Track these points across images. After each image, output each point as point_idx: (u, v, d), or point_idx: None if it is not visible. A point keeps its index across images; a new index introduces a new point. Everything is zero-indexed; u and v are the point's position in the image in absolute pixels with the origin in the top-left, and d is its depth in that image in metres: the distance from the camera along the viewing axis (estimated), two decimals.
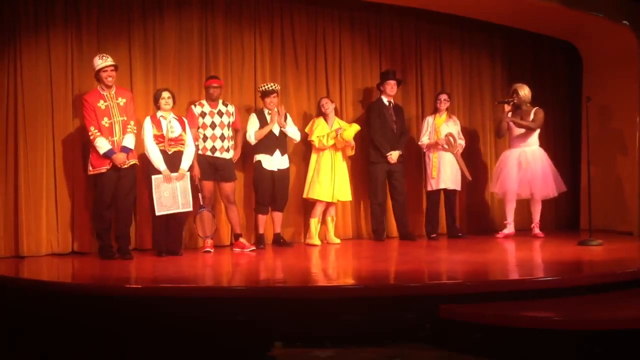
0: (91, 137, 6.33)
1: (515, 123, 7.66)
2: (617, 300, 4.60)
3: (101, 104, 6.40)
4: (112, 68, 6.48)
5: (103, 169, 6.36)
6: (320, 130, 7.49)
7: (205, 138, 6.95)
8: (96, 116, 6.36)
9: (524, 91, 7.68)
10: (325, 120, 7.54)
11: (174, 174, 6.54)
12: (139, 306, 4.61)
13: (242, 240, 7.09)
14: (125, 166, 6.41)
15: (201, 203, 6.87)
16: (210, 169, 6.94)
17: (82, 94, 6.72)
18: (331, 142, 7.45)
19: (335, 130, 7.45)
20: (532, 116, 7.63)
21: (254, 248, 7.08)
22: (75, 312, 4.72)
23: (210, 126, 6.95)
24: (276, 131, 7.24)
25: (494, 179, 7.94)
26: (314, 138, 7.47)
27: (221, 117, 7.01)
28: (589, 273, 5.46)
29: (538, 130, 7.67)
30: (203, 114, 6.96)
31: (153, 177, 6.49)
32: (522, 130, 7.64)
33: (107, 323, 4.55)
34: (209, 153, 6.95)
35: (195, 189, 6.84)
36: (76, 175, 6.93)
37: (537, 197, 7.63)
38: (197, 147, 6.88)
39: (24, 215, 6.67)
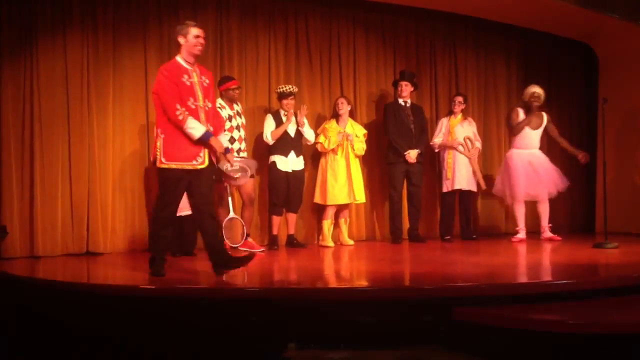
0: (180, 118, 4.87)
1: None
2: (633, 303, 4.55)
3: (185, 80, 5.01)
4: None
5: (187, 166, 5.01)
6: (329, 133, 7.46)
7: (233, 140, 6.83)
8: (179, 93, 4.94)
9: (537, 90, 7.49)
10: (338, 121, 7.53)
11: None
12: (152, 307, 4.62)
13: (250, 240, 7.06)
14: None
15: (231, 209, 6.71)
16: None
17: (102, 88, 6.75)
18: (333, 145, 7.41)
19: (343, 134, 7.40)
20: (545, 120, 7.51)
21: (263, 249, 7.05)
22: (89, 313, 4.74)
23: (237, 128, 6.89)
24: (291, 132, 7.24)
25: (497, 181, 7.78)
26: (321, 140, 7.45)
27: (240, 118, 7.01)
28: (604, 276, 5.41)
29: (539, 132, 7.54)
30: (230, 118, 6.85)
31: None
32: (532, 132, 7.52)
33: (120, 324, 4.57)
34: (236, 156, 6.70)
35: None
36: (91, 176, 6.97)
37: (544, 196, 7.48)
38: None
39: (39, 215, 6.71)
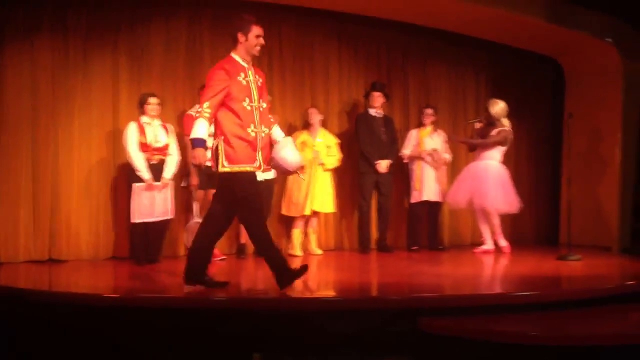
0: (198, 115, 4.77)
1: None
2: (595, 316, 4.62)
3: (242, 79, 4.83)
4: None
5: (248, 167, 4.81)
6: (300, 145, 7.44)
7: (205, 148, 6.81)
8: (230, 92, 4.72)
9: (496, 108, 7.43)
10: (309, 131, 7.53)
11: (157, 183, 6.48)
12: (116, 316, 4.55)
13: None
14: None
15: (194, 213, 6.77)
16: (206, 177, 6.87)
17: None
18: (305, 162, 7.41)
19: (315, 154, 7.42)
20: (494, 133, 7.40)
21: (224, 257, 7.01)
22: (50, 321, 4.66)
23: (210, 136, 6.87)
24: None
25: (449, 191, 7.80)
26: None
27: None
28: (567, 288, 5.48)
29: (501, 148, 7.44)
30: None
31: (134, 185, 6.41)
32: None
33: (82, 333, 4.50)
34: (207, 163, 6.77)
35: (190, 198, 6.79)
36: (55, 181, 6.87)
37: (485, 208, 7.42)
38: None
39: (1, 221, 6.60)
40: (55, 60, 6.92)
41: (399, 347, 4.36)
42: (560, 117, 8.83)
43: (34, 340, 4.57)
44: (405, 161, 8.06)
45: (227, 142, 4.72)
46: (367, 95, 7.90)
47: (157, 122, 6.60)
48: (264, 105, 4.86)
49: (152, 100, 6.55)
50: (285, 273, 4.81)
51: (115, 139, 7.11)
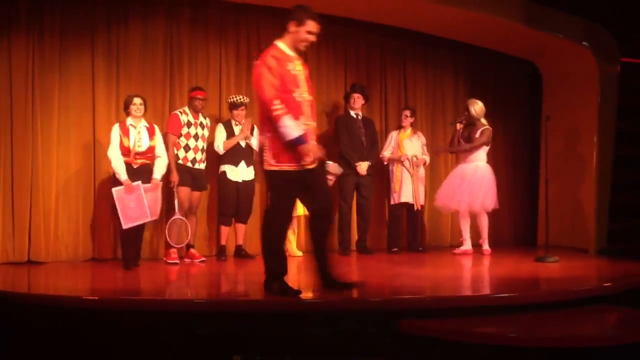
0: (278, 112, 4.41)
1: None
2: (573, 317, 4.68)
3: (291, 69, 4.61)
4: None
5: (297, 167, 4.57)
6: None
7: (187, 148, 6.90)
8: (284, 85, 4.50)
9: (475, 107, 7.53)
10: None
11: (147, 185, 6.44)
12: (95, 319, 4.53)
13: (193, 250, 7.04)
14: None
15: (176, 210, 6.81)
16: (188, 175, 6.88)
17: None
18: None
19: None
20: (477, 134, 7.51)
21: (204, 259, 7.03)
22: (29, 323, 4.62)
23: (194, 137, 6.94)
24: (242, 142, 7.22)
25: (437, 192, 7.89)
26: None
27: (203, 129, 7.01)
28: (545, 290, 5.54)
29: (486, 148, 7.57)
30: (189, 124, 6.92)
31: (114, 190, 6.35)
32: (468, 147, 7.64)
33: (61, 336, 4.47)
34: (189, 164, 6.92)
35: (171, 196, 6.85)
36: (34, 182, 6.81)
37: (475, 209, 7.55)
38: (176, 155, 6.83)
39: None
40: (31, 60, 6.87)
41: (380, 349, 4.38)
42: (537, 119, 8.92)
43: (12, 343, 4.53)
44: (385, 163, 8.10)
45: (273, 139, 4.48)
46: (346, 97, 7.93)
47: (142, 124, 6.56)
48: (310, 97, 4.64)
49: (136, 100, 6.52)
50: (282, 281, 4.71)
51: (95, 139, 7.09)
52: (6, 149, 6.74)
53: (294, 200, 4.72)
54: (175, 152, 6.84)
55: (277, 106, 4.36)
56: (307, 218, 7.87)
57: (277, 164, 4.50)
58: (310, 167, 4.56)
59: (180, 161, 6.85)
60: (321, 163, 4.84)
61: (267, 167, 4.54)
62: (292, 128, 4.38)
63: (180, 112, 6.96)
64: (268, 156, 4.51)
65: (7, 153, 6.75)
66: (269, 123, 4.47)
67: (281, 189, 4.57)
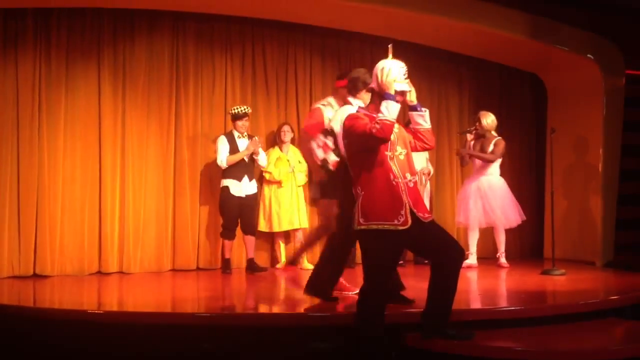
0: (377, 126, 4.33)
1: (473, 155, 7.62)
2: (579, 331, 4.65)
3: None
4: None
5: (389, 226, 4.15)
6: (276, 161, 7.53)
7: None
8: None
9: (487, 120, 7.54)
10: (280, 148, 7.60)
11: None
12: (100, 332, 4.52)
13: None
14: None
15: None
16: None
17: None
18: (283, 176, 7.51)
19: (291, 168, 7.54)
20: (491, 147, 7.50)
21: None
22: (35, 337, 4.62)
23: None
24: (245, 157, 7.23)
25: (457, 209, 7.89)
26: (271, 170, 7.50)
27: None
28: (552, 303, 5.52)
29: (499, 160, 7.56)
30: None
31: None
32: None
33: (67, 350, 4.46)
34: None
35: None
36: (40, 196, 6.83)
37: (497, 226, 7.57)
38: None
39: None
40: (38, 74, 6.91)
41: None
42: (542, 132, 8.91)
43: (17, 357, 4.53)
44: None
45: (365, 197, 4.19)
46: None
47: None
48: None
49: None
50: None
51: (101, 153, 7.10)
52: (12, 163, 6.77)
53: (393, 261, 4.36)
54: None
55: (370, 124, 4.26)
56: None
57: (365, 223, 4.09)
58: (400, 228, 4.08)
59: None
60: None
61: (356, 227, 4.15)
62: (389, 109, 4.43)
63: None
64: (357, 215, 4.14)
65: (13, 167, 6.77)
66: (360, 182, 4.22)
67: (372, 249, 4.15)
